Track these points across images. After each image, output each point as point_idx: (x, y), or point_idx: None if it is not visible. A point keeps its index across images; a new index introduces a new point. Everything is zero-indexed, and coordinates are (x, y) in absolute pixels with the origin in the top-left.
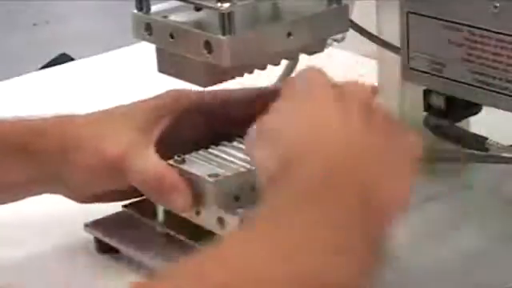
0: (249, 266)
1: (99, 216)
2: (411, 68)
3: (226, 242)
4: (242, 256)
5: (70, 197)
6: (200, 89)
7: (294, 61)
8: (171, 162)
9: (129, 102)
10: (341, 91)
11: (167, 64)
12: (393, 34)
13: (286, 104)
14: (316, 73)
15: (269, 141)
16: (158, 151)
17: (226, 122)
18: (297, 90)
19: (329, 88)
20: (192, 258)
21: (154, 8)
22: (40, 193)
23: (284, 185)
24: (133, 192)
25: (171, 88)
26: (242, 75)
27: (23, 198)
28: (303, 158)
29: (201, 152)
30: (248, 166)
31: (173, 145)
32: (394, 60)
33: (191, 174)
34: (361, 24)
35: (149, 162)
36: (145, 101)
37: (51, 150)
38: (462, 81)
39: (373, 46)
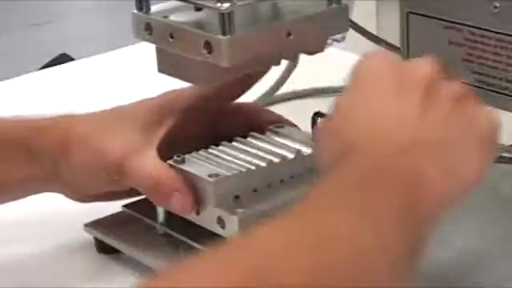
0: (278, 252)
1: (99, 216)
2: None
3: (255, 232)
4: (274, 242)
5: (69, 196)
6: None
7: (294, 61)
8: (171, 162)
9: (129, 102)
10: (403, 77)
11: (167, 64)
12: (393, 34)
13: (347, 97)
14: (377, 60)
15: (330, 134)
16: (159, 152)
17: (225, 121)
18: (359, 81)
19: (390, 76)
20: (215, 247)
21: (153, 8)
22: (40, 192)
23: (330, 177)
24: (133, 192)
25: (171, 88)
26: (241, 75)
27: (23, 197)
28: (354, 152)
29: (201, 152)
30: (248, 166)
31: (173, 145)
32: None
33: (191, 174)
34: (361, 24)
35: (149, 164)
36: (146, 101)
37: (52, 149)
38: (462, 81)
39: (373, 46)
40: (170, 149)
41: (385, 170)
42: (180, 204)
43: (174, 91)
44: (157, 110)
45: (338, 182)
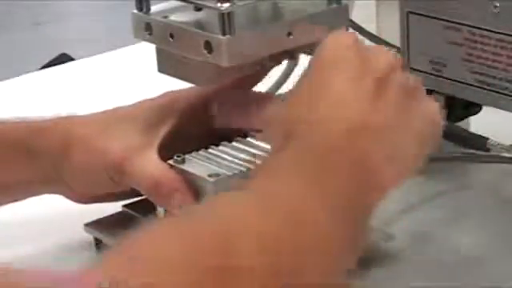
0: (238, 217)
1: (99, 216)
2: (411, 68)
3: (216, 199)
4: (232, 208)
5: (69, 197)
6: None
7: (294, 61)
8: (171, 162)
9: (129, 103)
10: (363, 62)
11: (167, 64)
12: (393, 34)
13: (308, 76)
14: (342, 39)
15: (281, 110)
16: (159, 152)
17: (225, 121)
18: (321, 59)
19: (351, 60)
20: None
21: (153, 8)
22: (40, 193)
23: (281, 154)
24: (133, 192)
25: (171, 88)
26: (241, 75)
27: (23, 198)
28: (305, 132)
29: (201, 152)
30: (248, 166)
31: (173, 145)
32: None
33: (191, 174)
34: (361, 24)
35: (149, 164)
36: (146, 102)
37: (52, 150)
38: (462, 81)
39: None
40: (170, 149)
41: (334, 149)
42: (180, 204)
43: (173, 91)
44: (157, 110)
45: (292, 156)
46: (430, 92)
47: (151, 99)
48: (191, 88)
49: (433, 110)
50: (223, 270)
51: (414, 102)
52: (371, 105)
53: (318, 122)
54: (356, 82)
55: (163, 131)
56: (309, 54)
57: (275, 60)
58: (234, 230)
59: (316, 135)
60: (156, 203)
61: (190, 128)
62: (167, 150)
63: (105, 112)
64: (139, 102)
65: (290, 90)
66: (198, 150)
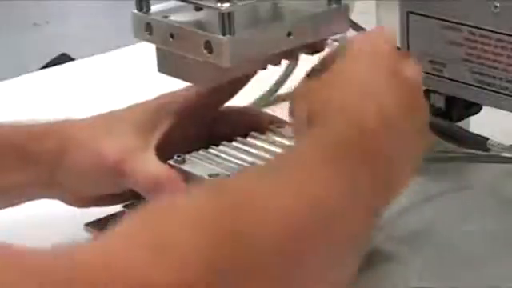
0: (252, 193)
1: (99, 216)
2: None
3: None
4: (245, 184)
5: (67, 201)
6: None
7: (294, 61)
8: (171, 162)
9: (129, 103)
10: (396, 67)
11: (167, 64)
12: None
13: (341, 67)
14: (381, 40)
15: (310, 97)
16: (157, 153)
17: (222, 122)
18: (357, 55)
19: (385, 61)
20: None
21: (153, 8)
22: (37, 198)
23: (304, 140)
24: (130, 195)
25: (171, 88)
26: (241, 75)
27: (20, 203)
28: (328, 120)
29: (201, 152)
30: (248, 166)
31: (171, 146)
32: None
33: (191, 173)
34: (361, 24)
35: (148, 165)
36: (142, 104)
37: (50, 153)
38: (462, 81)
39: None
40: (168, 150)
41: (346, 147)
42: None
43: (168, 94)
44: (153, 111)
45: (315, 146)
46: (429, 92)
47: (146, 101)
48: (187, 88)
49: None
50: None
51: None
52: (400, 107)
53: (344, 110)
54: (382, 82)
55: (160, 132)
56: (309, 54)
57: (275, 60)
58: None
59: (340, 125)
60: None
61: (187, 128)
62: (166, 151)
63: (100, 115)
64: (135, 105)
65: (321, 72)
66: (197, 150)
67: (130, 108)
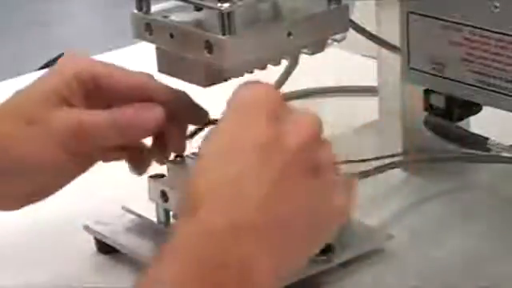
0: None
1: (99, 216)
2: (411, 68)
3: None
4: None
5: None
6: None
7: (294, 61)
8: (171, 161)
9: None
10: (277, 133)
11: (167, 64)
12: (393, 34)
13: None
14: (260, 97)
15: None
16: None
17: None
18: (234, 116)
19: (263, 128)
20: None
21: (153, 8)
22: None
23: (184, 224)
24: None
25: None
26: (242, 75)
27: None
28: (197, 212)
29: None
30: None
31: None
32: (394, 60)
33: (191, 173)
34: (361, 24)
35: (73, 114)
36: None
37: None
38: (462, 81)
39: (373, 46)
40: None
41: (217, 248)
42: (152, 115)
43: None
44: (46, 99)
45: (188, 243)
46: (429, 92)
47: (45, 81)
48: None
49: (343, 202)
50: None
51: (323, 188)
52: (273, 194)
53: (209, 206)
54: (261, 163)
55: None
56: (309, 54)
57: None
58: None
59: (204, 225)
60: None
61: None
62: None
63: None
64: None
65: (204, 144)
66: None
67: (23, 96)
